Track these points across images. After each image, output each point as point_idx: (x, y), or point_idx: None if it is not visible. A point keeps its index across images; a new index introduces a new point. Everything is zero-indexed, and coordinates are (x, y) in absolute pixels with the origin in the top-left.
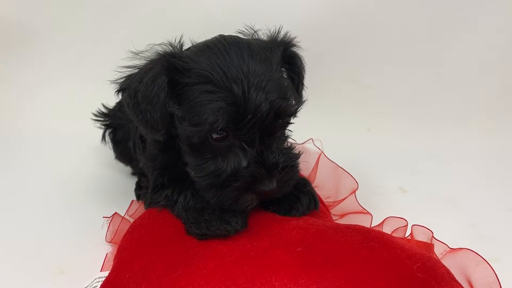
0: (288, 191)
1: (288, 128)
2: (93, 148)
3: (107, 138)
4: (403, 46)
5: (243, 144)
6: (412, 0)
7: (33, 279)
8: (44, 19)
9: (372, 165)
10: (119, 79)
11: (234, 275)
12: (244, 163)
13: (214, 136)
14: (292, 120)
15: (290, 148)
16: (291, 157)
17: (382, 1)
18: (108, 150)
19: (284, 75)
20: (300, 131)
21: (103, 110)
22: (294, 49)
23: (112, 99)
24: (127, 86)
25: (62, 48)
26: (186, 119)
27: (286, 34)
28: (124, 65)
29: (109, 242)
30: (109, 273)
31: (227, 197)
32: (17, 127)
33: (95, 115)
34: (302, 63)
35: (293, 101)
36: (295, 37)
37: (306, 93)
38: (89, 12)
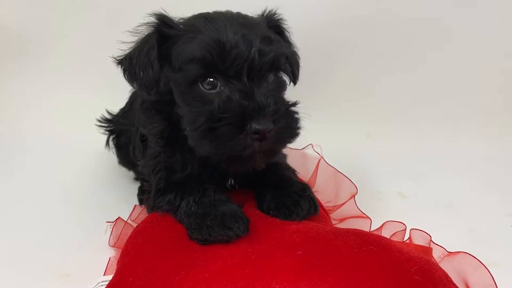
0: (289, 142)
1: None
2: (96, 153)
3: (111, 143)
4: (402, 52)
5: (231, 80)
6: (411, 8)
7: (38, 282)
8: (45, 26)
9: (371, 170)
10: (120, 56)
11: (235, 278)
12: (232, 97)
13: (207, 86)
14: (284, 66)
15: (292, 102)
16: (285, 103)
17: (381, 8)
18: (111, 155)
19: None
20: (300, 137)
21: (107, 116)
22: (280, 22)
23: (115, 105)
24: (124, 57)
25: (65, 54)
26: (176, 69)
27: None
28: (124, 41)
29: (112, 246)
30: (113, 277)
31: (220, 135)
32: (21, 133)
33: (99, 121)
34: (289, 34)
35: (281, 46)
36: (277, 9)
37: (306, 98)
38: (90, 19)
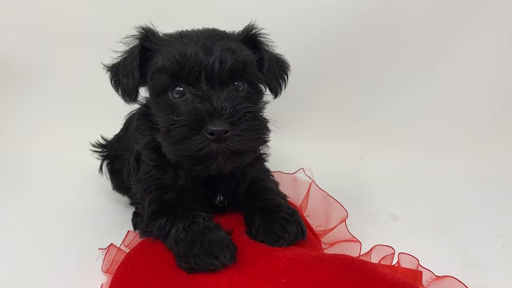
0: (254, 146)
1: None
2: (90, 178)
3: (105, 168)
4: (396, 75)
5: (191, 88)
6: (404, 31)
7: None
8: (45, 57)
9: (364, 192)
10: (109, 64)
11: None
12: (189, 102)
13: (175, 95)
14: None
15: (252, 106)
16: (246, 106)
17: (375, 31)
18: (105, 181)
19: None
20: (294, 161)
21: (102, 141)
22: (257, 35)
23: (110, 130)
24: (112, 65)
25: (63, 84)
26: (149, 78)
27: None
28: (116, 50)
29: (105, 272)
30: None
31: (175, 135)
32: (14, 160)
33: (94, 146)
34: (266, 46)
35: (242, 54)
36: (255, 21)
37: (300, 120)
38: (89, 49)
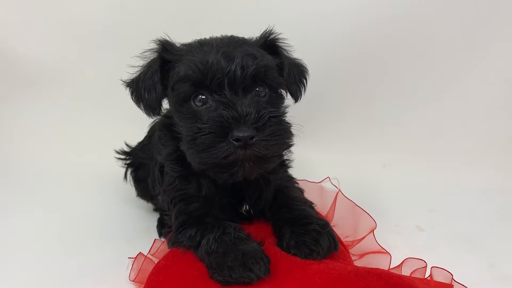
0: (279, 151)
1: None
2: (114, 185)
3: (129, 176)
4: (418, 84)
5: (214, 95)
6: (425, 43)
7: None
8: (70, 59)
9: (388, 202)
10: (128, 79)
11: None
12: (212, 109)
13: (198, 103)
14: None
15: (276, 110)
16: (270, 111)
17: (399, 39)
18: (129, 187)
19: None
20: (317, 169)
21: (126, 149)
22: (276, 41)
23: (134, 137)
24: (131, 80)
25: (86, 88)
26: (170, 88)
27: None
28: (132, 66)
29: (133, 281)
30: None
31: (202, 143)
32: (39, 165)
33: (118, 153)
34: (285, 51)
35: (263, 59)
36: (273, 26)
37: (322, 130)
38: (113, 53)
